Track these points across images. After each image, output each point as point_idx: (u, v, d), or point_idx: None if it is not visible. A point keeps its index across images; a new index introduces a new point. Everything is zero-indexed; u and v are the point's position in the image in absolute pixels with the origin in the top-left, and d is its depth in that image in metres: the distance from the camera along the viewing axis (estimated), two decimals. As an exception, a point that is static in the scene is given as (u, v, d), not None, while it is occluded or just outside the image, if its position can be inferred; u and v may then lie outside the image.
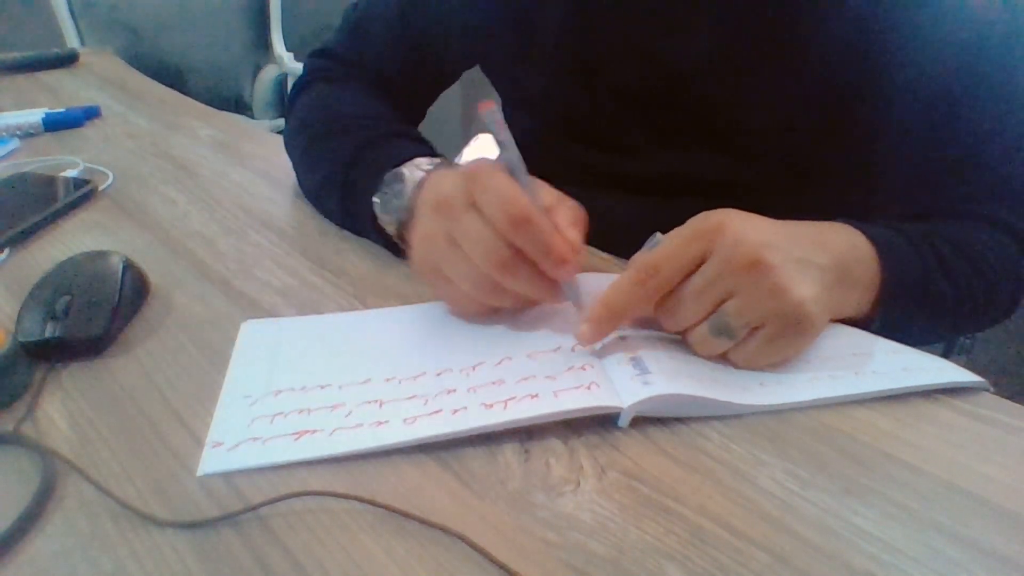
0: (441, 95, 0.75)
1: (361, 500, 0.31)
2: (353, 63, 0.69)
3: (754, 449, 0.35)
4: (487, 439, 0.35)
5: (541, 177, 0.42)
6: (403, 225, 0.49)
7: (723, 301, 0.37)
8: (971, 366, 0.41)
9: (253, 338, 0.43)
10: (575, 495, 0.32)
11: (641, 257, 0.39)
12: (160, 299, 0.48)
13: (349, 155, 0.54)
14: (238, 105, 2.00)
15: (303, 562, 0.29)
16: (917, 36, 0.49)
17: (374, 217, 0.51)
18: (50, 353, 0.41)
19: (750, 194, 0.57)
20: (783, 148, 0.56)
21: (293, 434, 0.35)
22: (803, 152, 0.56)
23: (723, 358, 0.40)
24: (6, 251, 0.54)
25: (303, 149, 0.62)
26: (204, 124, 0.85)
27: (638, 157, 0.61)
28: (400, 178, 0.48)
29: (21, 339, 0.40)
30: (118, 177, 0.68)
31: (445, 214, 0.40)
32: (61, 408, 0.38)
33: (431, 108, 0.75)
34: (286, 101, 0.70)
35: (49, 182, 0.65)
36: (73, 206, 0.61)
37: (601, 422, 0.36)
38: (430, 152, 0.51)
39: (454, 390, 0.38)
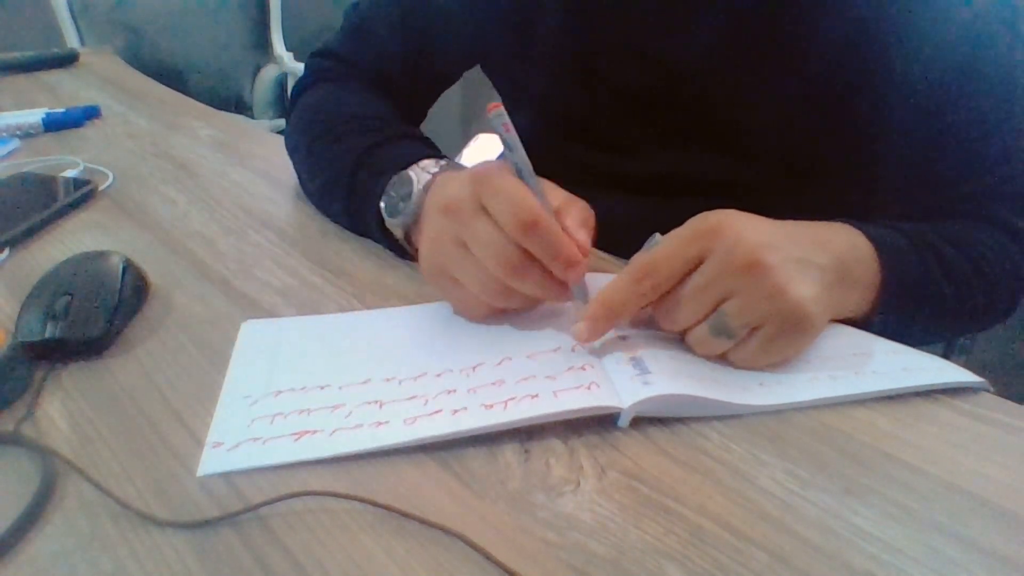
0: (441, 95, 0.75)
1: (361, 500, 0.31)
2: (354, 63, 0.69)
3: (754, 449, 0.35)
4: (487, 439, 0.35)
5: (541, 177, 0.42)
6: (410, 228, 0.49)
7: (721, 302, 0.37)
8: (971, 366, 0.41)
9: (253, 338, 0.43)
10: (575, 495, 0.32)
11: (639, 257, 0.39)
12: (160, 299, 0.48)
13: (354, 158, 0.54)
14: (238, 105, 2.00)
15: (303, 562, 0.29)
16: (916, 36, 0.49)
17: (380, 220, 0.51)
18: (50, 353, 0.41)
19: (750, 194, 0.57)
20: (783, 148, 0.56)
21: (293, 434, 0.35)
22: (803, 152, 0.56)
23: (723, 358, 0.40)
24: (6, 251, 0.54)
25: (306, 150, 0.62)
26: (204, 124, 0.85)
27: (638, 157, 0.61)
28: (407, 181, 0.48)
29: (21, 339, 0.40)
30: (118, 177, 0.68)
31: (454, 217, 0.40)
32: (61, 408, 0.38)
33: (431, 108, 0.75)
34: (287, 101, 0.71)
35: (49, 182, 0.65)
36: (73, 206, 0.61)
37: (601, 422, 0.36)
38: (435, 153, 0.51)
39: (454, 390, 0.38)
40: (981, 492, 0.33)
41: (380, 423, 0.36)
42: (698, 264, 0.38)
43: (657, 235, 0.40)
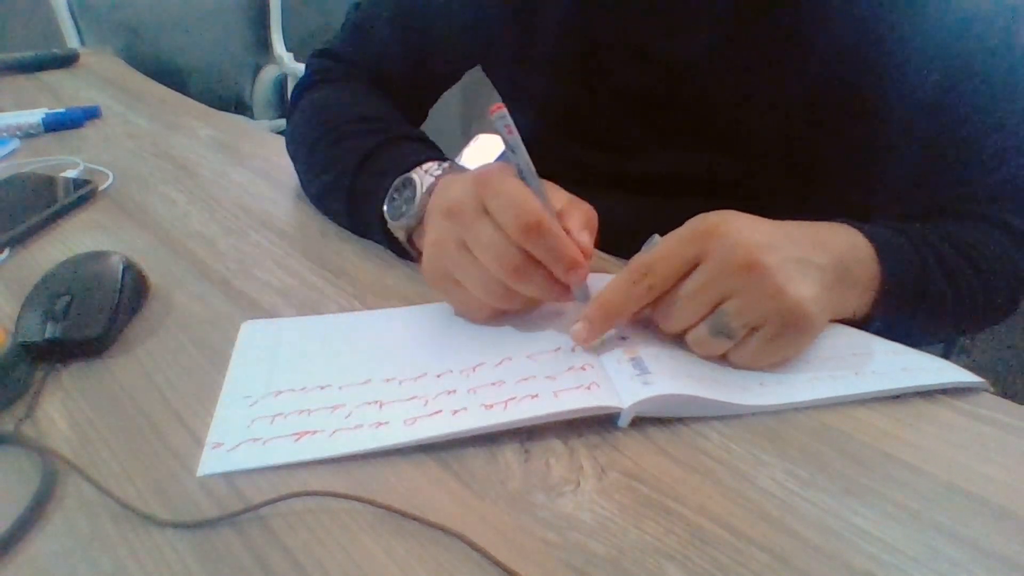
0: (441, 95, 0.75)
1: (361, 500, 0.31)
2: (355, 63, 0.69)
3: (754, 449, 0.35)
4: (487, 439, 0.35)
5: (542, 176, 0.42)
6: (413, 230, 0.49)
7: (720, 302, 0.37)
8: (971, 366, 0.41)
9: (253, 338, 0.43)
10: (575, 495, 0.32)
11: (637, 258, 0.39)
12: (160, 299, 0.48)
13: (355, 159, 0.54)
14: (238, 105, 2.00)
15: (303, 562, 0.29)
16: (917, 36, 0.49)
17: (382, 221, 0.51)
18: (50, 353, 0.41)
19: (751, 194, 0.57)
20: (783, 148, 0.56)
21: (293, 435, 0.35)
22: (803, 152, 0.56)
23: (723, 358, 0.40)
24: (6, 251, 0.54)
25: (307, 152, 0.62)
26: (204, 124, 0.85)
27: (639, 157, 0.61)
28: (410, 184, 0.48)
29: (21, 339, 0.40)
30: (118, 177, 0.68)
31: (456, 220, 0.40)
32: (61, 408, 0.38)
33: (431, 108, 0.75)
34: (288, 102, 0.70)
35: (49, 182, 0.65)
36: (73, 206, 0.61)
37: (601, 422, 0.36)
38: (437, 155, 0.51)
39: (454, 391, 0.38)
40: (981, 492, 0.33)
41: (380, 423, 0.36)
42: (696, 265, 0.38)
43: (656, 236, 0.40)
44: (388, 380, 0.39)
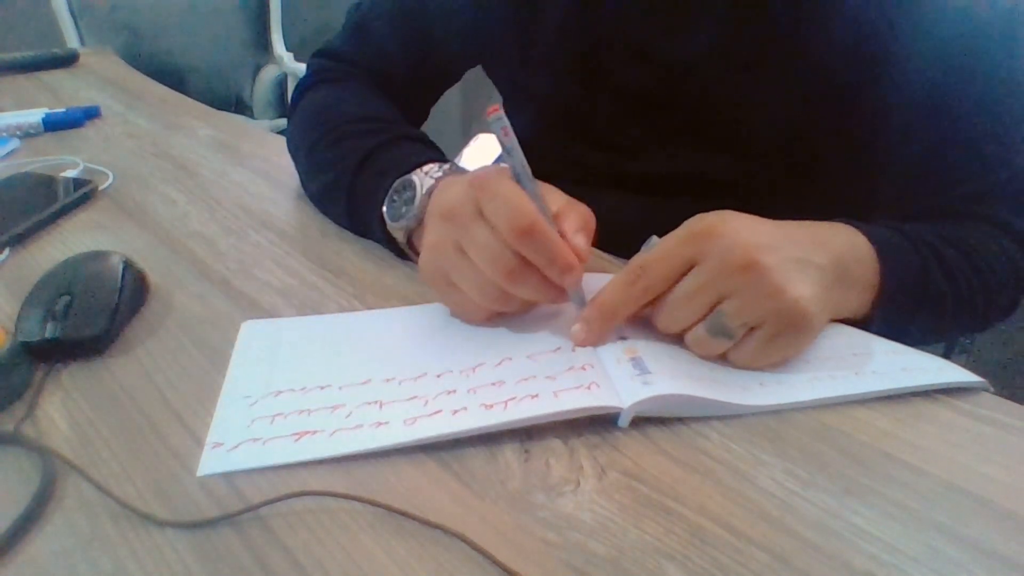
0: (441, 95, 0.75)
1: (361, 500, 0.31)
2: (356, 63, 0.69)
3: (754, 449, 0.35)
4: (487, 439, 0.35)
5: (542, 176, 0.42)
6: (412, 232, 0.49)
7: (718, 303, 0.37)
8: (971, 366, 0.41)
9: (253, 338, 0.43)
10: (575, 495, 0.32)
11: (635, 260, 0.39)
12: (160, 299, 0.48)
13: (355, 159, 0.54)
14: (238, 105, 2.00)
15: (303, 562, 0.29)
16: (917, 36, 0.49)
17: (382, 222, 0.51)
18: (50, 353, 0.41)
19: (751, 194, 0.57)
20: (784, 147, 0.56)
21: (293, 435, 0.35)
22: (804, 151, 0.56)
23: (722, 359, 0.40)
24: (6, 251, 0.54)
25: (307, 152, 0.62)
26: (204, 124, 0.85)
27: (639, 156, 0.61)
28: (410, 186, 0.48)
29: (21, 339, 0.40)
30: (118, 177, 0.68)
31: (453, 223, 0.40)
32: (61, 408, 0.38)
33: (431, 108, 0.75)
34: (289, 102, 0.70)
35: (49, 182, 0.65)
36: (73, 206, 0.61)
37: (601, 422, 0.36)
38: (438, 156, 0.51)
39: (454, 391, 0.38)
40: (981, 492, 0.33)
41: (380, 423, 0.36)
42: (693, 265, 0.38)
43: (654, 237, 0.40)
44: (388, 380, 0.39)
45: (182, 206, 0.62)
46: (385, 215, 0.50)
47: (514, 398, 0.37)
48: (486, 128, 0.39)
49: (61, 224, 0.59)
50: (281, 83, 2.01)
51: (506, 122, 0.38)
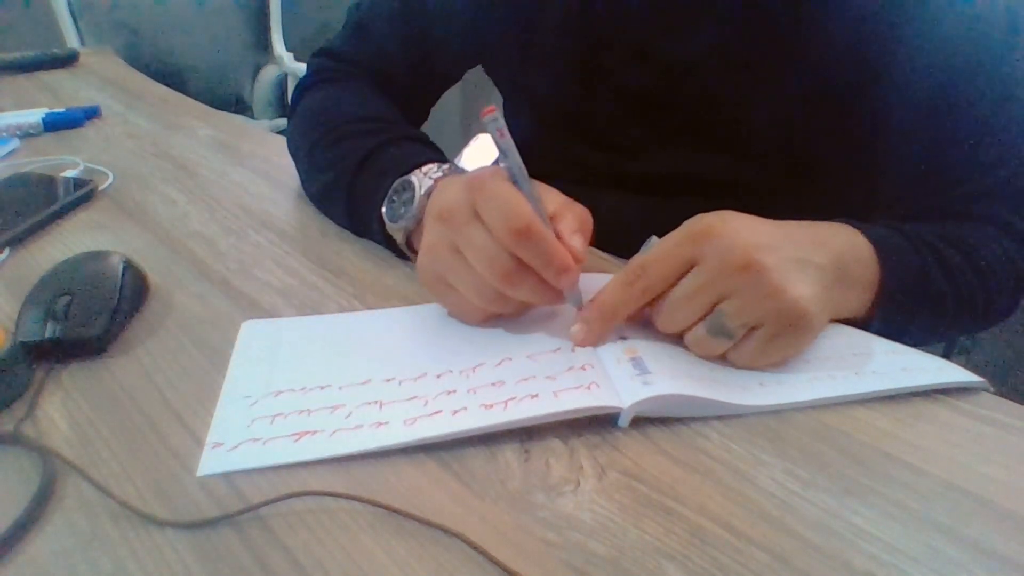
0: (442, 95, 0.75)
1: (361, 500, 0.31)
2: (356, 62, 0.69)
3: (754, 449, 0.35)
4: (487, 439, 0.35)
5: (542, 176, 0.42)
6: (411, 233, 0.49)
7: (718, 303, 0.37)
8: (971, 366, 0.41)
9: (253, 338, 0.43)
10: (575, 495, 0.32)
11: (633, 260, 0.39)
12: (160, 299, 0.48)
13: (355, 160, 0.54)
14: (238, 105, 2.00)
15: (303, 562, 0.29)
16: (918, 36, 0.49)
17: (382, 222, 0.51)
18: (50, 353, 0.41)
19: (751, 194, 0.57)
20: (784, 147, 0.56)
21: (293, 435, 0.35)
22: (804, 152, 0.56)
23: (722, 359, 0.40)
24: (6, 251, 0.54)
25: (307, 152, 0.62)
26: (204, 124, 0.85)
27: (640, 156, 0.61)
28: (409, 186, 0.48)
29: (21, 339, 0.40)
30: (118, 177, 0.68)
31: (449, 224, 0.40)
32: (61, 408, 0.38)
33: (432, 108, 0.75)
34: (289, 102, 0.70)
35: (49, 182, 0.65)
36: (73, 206, 0.61)
37: (601, 422, 0.36)
38: (437, 157, 0.51)
39: (454, 391, 0.38)
40: (981, 492, 0.33)
41: (380, 423, 0.36)
42: (692, 265, 0.38)
43: (654, 237, 0.40)
44: (388, 380, 0.39)
45: (182, 206, 0.62)
46: (384, 216, 0.50)
47: (514, 398, 0.37)
48: (485, 128, 0.39)
49: (61, 224, 0.59)
50: (281, 83, 2.01)
51: (502, 123, 0.38)
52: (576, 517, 0.31)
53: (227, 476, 0.33)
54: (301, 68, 1.91)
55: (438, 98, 0.74)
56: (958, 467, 0.34)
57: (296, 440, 0.35)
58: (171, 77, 1.62)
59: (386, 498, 0.32)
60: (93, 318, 0.42)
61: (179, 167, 0.71)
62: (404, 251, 0.51)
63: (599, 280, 0.41)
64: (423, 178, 0.48)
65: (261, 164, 0.72)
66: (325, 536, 0.30)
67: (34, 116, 0.82)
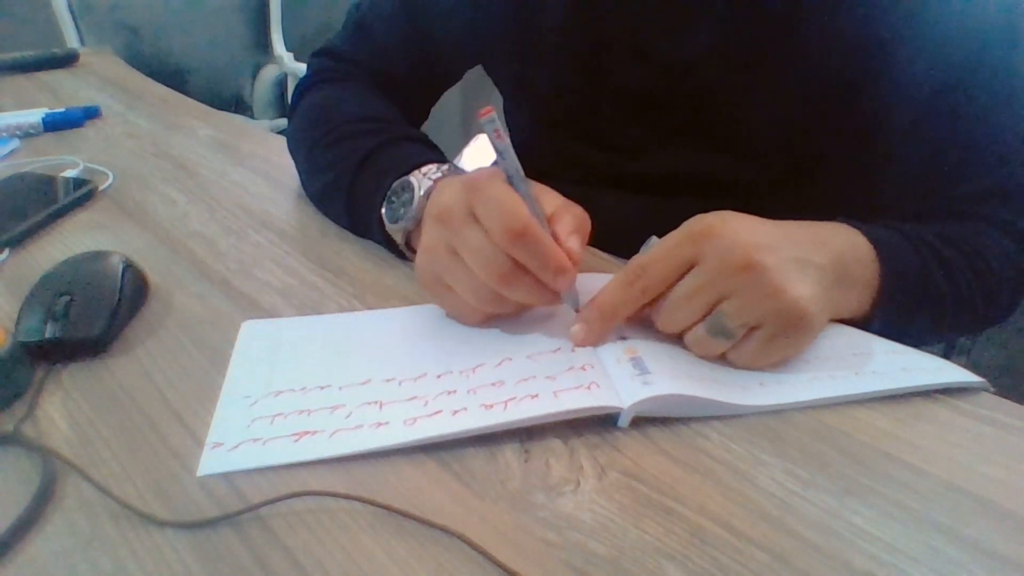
0: (442, 94, 0.75)
1: (361, 500, 0.31)
2: (356, 62, 0.69)
3: (754, 449, 0.35)
4: (487, 439, 0.35)
5: (543, 176, 0.42)
6: (411, 233, 0.49)
7: (717, 303, 0.37)
8: (971, 366, 0.41)
9: (253, 338, 0.43)
10: (575, 495, 0.32)
11: (633, 260, 0.39)
12: (160, 299, 0.48)
13: (355, 160, 0.54)
14: (238, 105, 2.00)
15: (303, 562, 0.29)
16: (918, 36, 0.49)
17: (381, 222, 0.51)
18: (50, 353, 0.41)
19: (752, 193, 0.57)
20: (784, 147, 0.56)
21: (293, 435, 0.35)
22: (804, 151, 0.56)
23: (722, 359, 0.40)
24: (6, 251, 0.54)
25: (307, 152, 0.62)
26: (204, 124, 0.85)
27: (640, 156, 0.61)
28: (408, 187, 0.48)
29: (21, 339, 0.40)
30: (118, 177, 0.68)
31: (446, 225, 0.40)
32: (61, 408, 0.38)
33: (432, 107, 0.75)
34: (289, 101, 0.70)
35: (49, 182, 0.65)
36: (73, 206, 0.61)
37: (601, 422, 0.36)
38: (437, 157, 0.51)
39: (454, 391, 0.38)
40: (981, 492, 0.33)
41: (380, 424, 0.36)
42: (691, 266, 0.38)
43: (653, 237, 0.40)
44: (388, 380, 0.39)
45: (182, 206, 0.62)
46: (383, 216, 0.50)
47: (514, 398, 0.37)
48: (482, 129, 0.38)
49: (61, 224, 0.59)
50: (281, 83, 2.01)
51: (499, 124, 0.38)
52: (576, 517, 0.31)
53: (227, 476, 0.33)
54: (301, 68, 1.91)
55: (438, 98, 0.74)
56: (958, 467, 0.34)
57: (296, 440, 0.35)
58: (171, 77, 1.61)
59: (386, 498, 0.32)
60: (93, 318, 0.42)
61: (179, 167, 0.71)
62: (404, 251, 0.51)
63: (598, 280, 0.41)
64: (422, 179, 0.48)
65: (261, 164, 0.72)
66: (325, 536, 0.30)
67: (34, 116, 0.82)
